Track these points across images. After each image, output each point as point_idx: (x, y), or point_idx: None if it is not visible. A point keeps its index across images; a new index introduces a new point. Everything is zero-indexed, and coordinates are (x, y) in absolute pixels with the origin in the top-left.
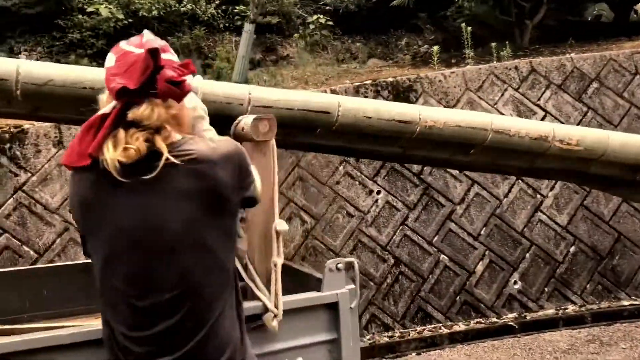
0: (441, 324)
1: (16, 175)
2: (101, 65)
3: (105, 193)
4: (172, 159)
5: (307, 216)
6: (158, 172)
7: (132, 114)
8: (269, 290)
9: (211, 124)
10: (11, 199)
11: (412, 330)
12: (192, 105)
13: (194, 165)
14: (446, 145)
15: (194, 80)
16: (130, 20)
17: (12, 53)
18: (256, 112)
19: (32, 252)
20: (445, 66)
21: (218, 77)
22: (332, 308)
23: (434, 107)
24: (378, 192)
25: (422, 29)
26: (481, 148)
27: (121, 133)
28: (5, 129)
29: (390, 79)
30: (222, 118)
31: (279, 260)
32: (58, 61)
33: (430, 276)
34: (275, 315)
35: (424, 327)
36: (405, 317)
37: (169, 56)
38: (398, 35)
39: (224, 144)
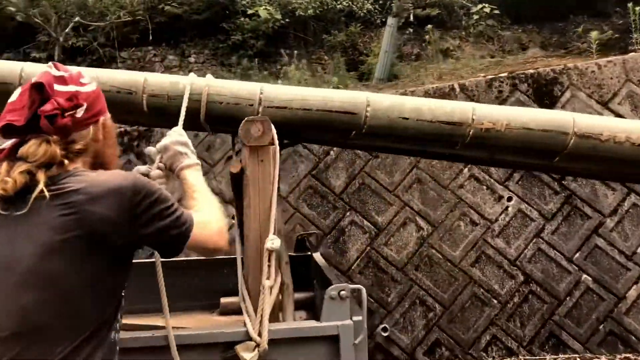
0: (578, 355)
1: None
2: (260, 65)
3: None
4: (45, 192)
5: (423, 222)
6: (30, 206)
7: (19, 151)
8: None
9: (218, 128)
10: None
11: (540, 358)
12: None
13: (66, 198)
14: (515, 152)
15: (205, 80)
16: (287, 20)
17: (183, 56)
18: (268, 114)
19: None
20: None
21: (369, 74)
22: (333, 341)
23: (492, 106)
24: (509, 199)
25: (609, 13)
26: (565, 155)
27: (4, 166)
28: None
29: (531, 71)
30: (231, 121)
31: (267, 282)
32: (222, 63)
33: (567, 298)
34: (258, 345)
35: (555, 356)
36: (533, 342)
37: (70, 88)
38: (578, 21)
39: (116, 177)
